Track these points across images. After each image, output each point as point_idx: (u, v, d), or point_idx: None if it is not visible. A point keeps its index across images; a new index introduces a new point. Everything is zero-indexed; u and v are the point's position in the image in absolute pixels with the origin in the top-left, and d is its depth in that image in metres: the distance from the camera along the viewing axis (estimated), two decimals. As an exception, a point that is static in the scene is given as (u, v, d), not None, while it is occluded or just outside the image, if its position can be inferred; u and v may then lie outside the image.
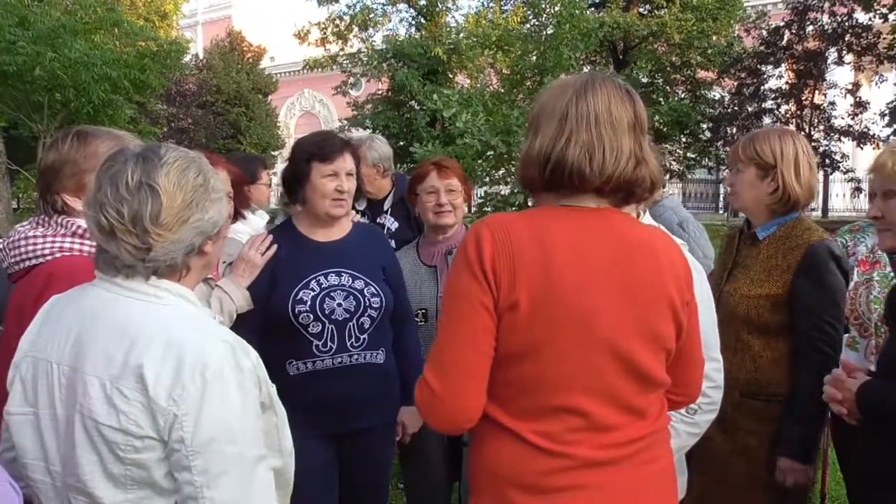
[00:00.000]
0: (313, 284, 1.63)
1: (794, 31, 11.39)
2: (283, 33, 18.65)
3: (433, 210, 1.97)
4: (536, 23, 10.18)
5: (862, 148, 11.70)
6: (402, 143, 10.20)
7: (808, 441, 1.51)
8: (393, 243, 2.37)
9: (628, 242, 0.99)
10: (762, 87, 11.81)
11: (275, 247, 1.67)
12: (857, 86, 11.47)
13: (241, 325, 1.60)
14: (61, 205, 1.25)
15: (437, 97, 7.17)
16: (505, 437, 0.97)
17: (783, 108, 11.74)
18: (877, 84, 11.64)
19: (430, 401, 0.96)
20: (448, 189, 1.97)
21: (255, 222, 2.53)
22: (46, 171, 1.27)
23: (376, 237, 1.88)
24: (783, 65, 11.74)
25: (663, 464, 1.03)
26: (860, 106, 11.34)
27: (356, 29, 13.88)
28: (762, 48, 11.69)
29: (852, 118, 11.36)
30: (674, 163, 13.07)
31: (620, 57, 13.09)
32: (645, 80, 12.42)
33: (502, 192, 7.13)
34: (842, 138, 11.37)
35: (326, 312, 1.61)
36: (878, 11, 10.62)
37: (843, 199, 13.00)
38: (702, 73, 13.10)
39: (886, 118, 11.09)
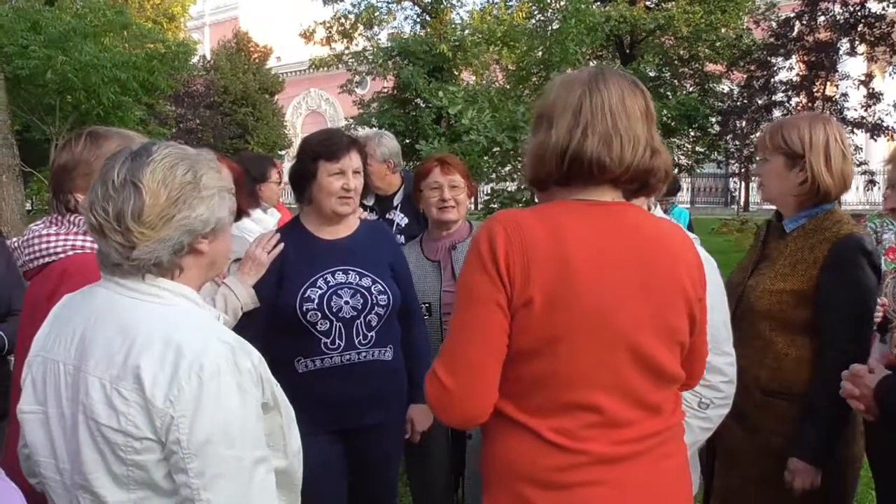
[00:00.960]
0: (321, 282, 1.63)
1: (804, 22, 11.23)
2: (289, 33, 18.72)
3: (436, 205, 1.98)
4: (542, 18, 10.14)
5: (875, 140, 11.52)
6: (408, 141, 10.19)
7: (824, 444, 1.43)
8: (402, 239, 2.37)
9: (644, 236, 0.98)
10: (772, 80, 11.66)
11: (281, 245, 1.67)
12: (870, 77, 11.29)
13: (248, 323, 1.61)
14: (74, 204, 1.27)
15: (443, 94, 7.14)
16: (519, 434, 0.96)
17: (794, 100, 11.59)
18: (890, 75, 11.45)
19: (443, 398, 0.96)
20: (451, 185, 1.97)
21: (267, 221, 2.53)
22: (59, 171, 1.29)
23: (383, 234, 1.88)
24: (794, 56, 11.58)
25: (678, 460, 1.03)
26: (873, 97, 11.16)
27: (361, 27, 13.91)
28: (772, 40, 11.54)
29: (865, 110, 11.18)
30: (682, 157, 12.95)
31: (627, 51, 12.98)
32: (652, 74, 12.31)
33: (509, 189, 7.11)
34: (855, 130, 11.18)
35: (334, 310, 1.61)
36: (891, 0, 10.44)
37: (856, 193, 12.81)
38: (710, 67, 12.97)
39: (900, 109, 10.91)
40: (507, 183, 7.38)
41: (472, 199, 2.21)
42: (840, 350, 1.42)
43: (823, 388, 1.41)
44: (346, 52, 14.29)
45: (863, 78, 11.15)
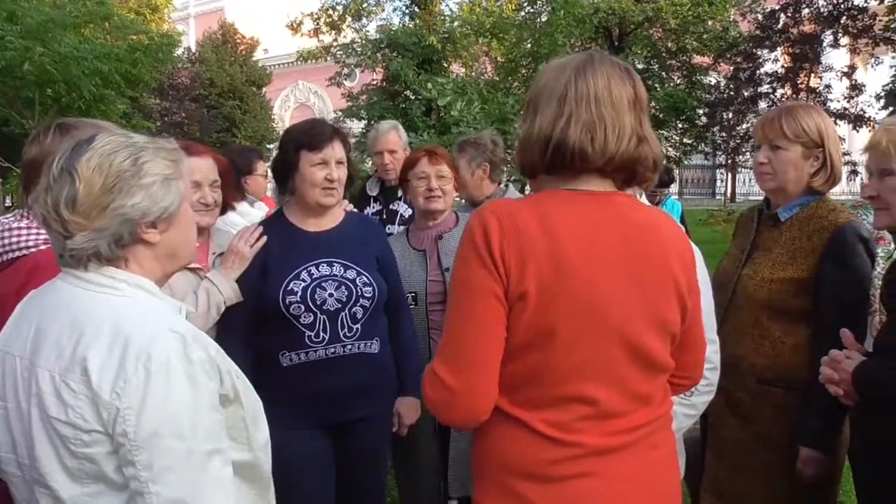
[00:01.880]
0: (304, 275, 1.61)
1: (789, 14, 11.32)
2: (276, 25, 18.47)
3: (423, 195, 1.98)
4: (531, 10, 10.11)
5: (858, 131, 11.68)
6: (397, 134, 10.12)
7: (830, 430, 1.45)
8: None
9: (635, 226, 0.97)
10: (758, 72, 11.75)
11: (265, 238, 1.65)
12: (852, 68, 11.43)
13: (232, 316, 1.59)
14: None
15: (432, 86, 7.12)
16: (511, 427, 0.95)
17: (779, 92, 11.70)
18: (872, 66, 11.60)
19: (447, 399, 0.93)
20: (438, 175, 1.98)
21: (253, 214, 2.50)
22: (29, 165, 1.25)
23: (369, 226, 1.87)
24: (779, 48, 11.68)
25: (666, 449, 1.03)
26: (856, 89, 11.30)
27: (349, 19, 13.75)
28: (758, 32, 11.63)
29: (848, 101, 11.33)
30: (670, 149, 13.03)
31: (616, 43, 13.00)
32: (640, 66, 12.35)
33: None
34: (838, 121, 11.32)
35: (318, 303, 1.60)
36: (874, -7, 10.55)
37: (840, 184, 12.96)
38: (697, 59, 13.03)
39: (882, 101, 11.05)
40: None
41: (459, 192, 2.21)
42: (839, 336, 1.42)
43: None
44: (335, 44, 14.13)
45: (846, 70, 11.28)
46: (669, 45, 12.72)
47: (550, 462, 0.93)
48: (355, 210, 2.04)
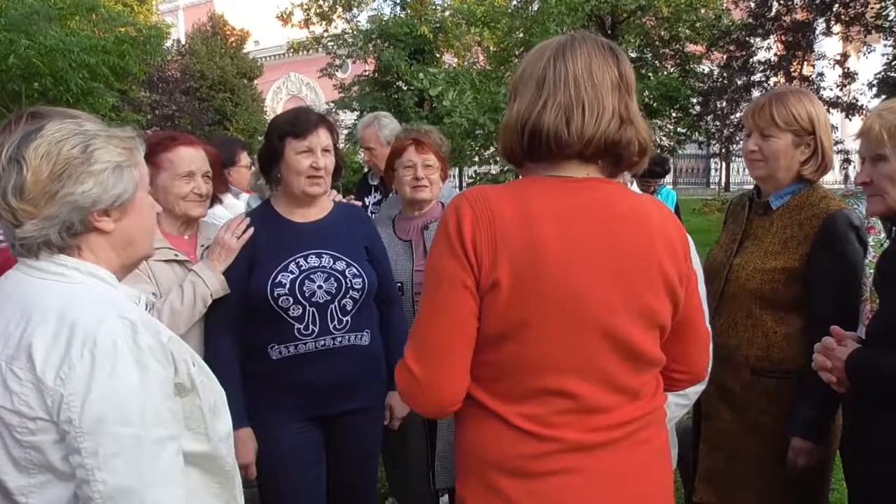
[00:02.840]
0: (292, 267, 1.59)
1: (782, 2, 11.28)
2: (267, 16, 18.26)
3: (410, 184, 1.95)
4: (523, -2, 10.02)
5: (850, 119, 11.68)
6: (390, 125, 10.06)
7: (823, 421, 1.45)
8: None
9: (617, 213, 0.94)
10: (751, 60, 11.73)
11: (252, 230, 1.62)
12: (845, 56, 11.42)
13: (220, 309, 1.57)
14: None
15: (423, 76, 7.05)
16: (489, 420, 0.94)
17: (772, 80, 11.69)
18: (865, 55, 11.60)
19: (412, 386, 0.93)
20: (425, 164, 1.95)
21: (239, 206, 2.47)
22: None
23: (358, 217, 1.84)
24: (772, 36, 11.65)
25: (658, 443, 1.01)
26: (848, 77, 11.30)
27: (340, 9, 13.60)
28: (750, 20, 11.58)
29: (841, 89, 11.33)
30: (664, 138, 13.02)
31: (608, 32, 12.90)
32: (633, 54, 12.29)
33: (492, 172, 7.08)
34: (830, 110, 11.32)
35: (307, 295, 1.57)
36: (866, -20, 10.52)
37: (832, 171, 12.98)
38: (690, 47, 12.98)
39: (874, 89, 11.06)
40: (491, 165, 7.34)
41: (457, 184, 2.19)
42: (832, 325, 1.41)
43: None
44: (325, 35, 14.00)
45: (838, 58, 11.27)
46: (662, 33, 12.65)
47: (529, 457, 0.92)
48: (344, 200, 2.01)
